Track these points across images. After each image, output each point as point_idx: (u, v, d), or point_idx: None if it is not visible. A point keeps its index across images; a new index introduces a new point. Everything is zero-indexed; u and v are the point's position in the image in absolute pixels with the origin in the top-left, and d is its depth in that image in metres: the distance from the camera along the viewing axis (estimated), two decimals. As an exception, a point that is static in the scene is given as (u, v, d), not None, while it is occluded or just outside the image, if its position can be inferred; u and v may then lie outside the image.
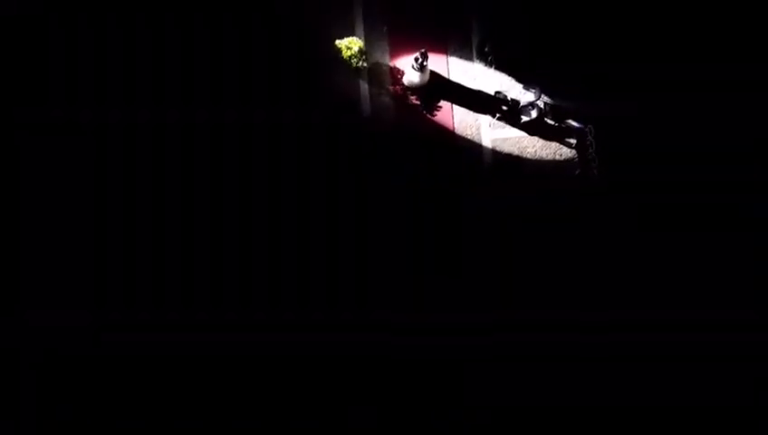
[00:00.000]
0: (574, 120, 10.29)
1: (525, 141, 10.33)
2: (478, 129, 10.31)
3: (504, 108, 10.25)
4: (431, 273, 9.92)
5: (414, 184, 10.07)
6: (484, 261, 9.95)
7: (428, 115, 10.29)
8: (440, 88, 10.31)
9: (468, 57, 10.41)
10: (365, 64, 10.17)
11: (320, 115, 10.13)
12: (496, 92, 10.29)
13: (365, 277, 9.84)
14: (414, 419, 9.54)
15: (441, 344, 9.66)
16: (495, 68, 10.38)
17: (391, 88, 10.30)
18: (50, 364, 9.55)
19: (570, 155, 10.28)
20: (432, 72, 10.23)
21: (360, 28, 10.37)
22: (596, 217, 10.03)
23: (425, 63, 9.74)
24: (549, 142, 10.31)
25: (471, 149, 10.23)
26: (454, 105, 10.33)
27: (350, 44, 9.95)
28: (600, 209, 10.04)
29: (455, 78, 10.38)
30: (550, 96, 10.29)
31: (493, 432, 9.55)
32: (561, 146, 10.31)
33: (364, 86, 10.29)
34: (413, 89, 10.27)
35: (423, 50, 9.68)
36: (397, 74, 10.31)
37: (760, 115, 10.22)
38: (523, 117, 10.21)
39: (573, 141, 10.28)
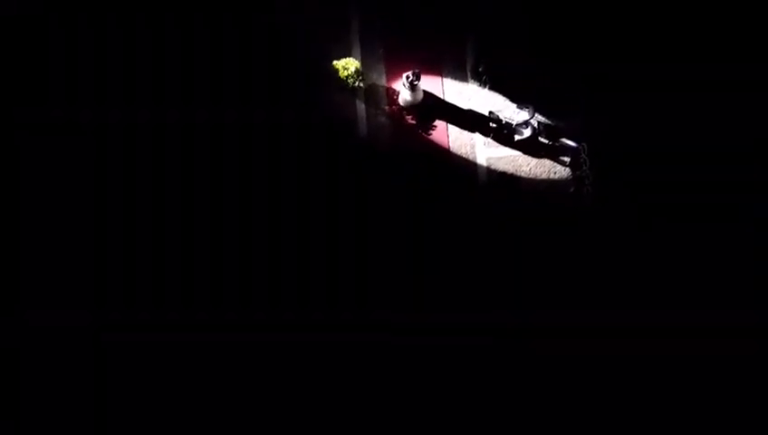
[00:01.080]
0: (568, 138, 11.39)
1: (520, 160, 11.44)
2: (473, 147, 11.43)
3: (499, 127, 11.41)
4: (431, 273, 10.83)
5: (413, 185, 11.04)
6: (484, 261, 10.92)
7: (424, 134, 11.41)
8: (435, 108, 11.44)
9: (463, 78, 11.56)
10: (362, 85, 11.26)
11: (319, 115, 11.09)
12: (490, 112, 11.43)
13: (365, 277, 10.71)
14: None
15: (442, 344, 10.44)
16: (489, 88, 11.52)
17: (387, 108, 11.40)
18: (50, 364, 10.42)
19: (564, 173, 11.37)
20: (427, 93, 11.39)
21: (356, 50, 11.48)
22: (592, 226, 11.07)
23: (415, 82, 10.81)
24: (543, 160, 11.42)
25: (466, 167, 11.32)
26: (449, 125, 11.45)
27: (346, 65, 11.03)
28: (595, 221, 11.11)
29: (449, 99, 11.52)
30: (544, 115, 11.40)
31: None
32: (556, 164, 11.41)
33: (361, 106, 11.40)
34: (409, 109, 11.40)
35: (416, 70, 10.77)
36: (393, 95, 11.43)
37: (759, 115, 11.12)
38: (517, 136, 11.33)
39: (567, 159, 11.40)
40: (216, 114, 11.06)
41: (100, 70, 11.12)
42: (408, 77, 10.78)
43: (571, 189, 11.31)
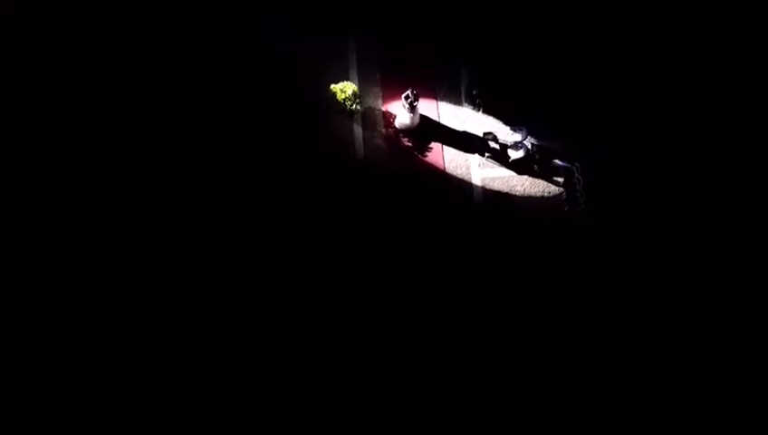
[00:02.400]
0: (561, 158, 12.10)
1: (514, 180, 12.11)
2: (468, 168, 12.10)
3: (493, 148, 12.11)
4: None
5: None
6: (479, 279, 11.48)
7: (420, 156, 12.07)
8: (431, 131, 12.15)
9: (457, 101, 12.34)
10: (359, 108, 11.97)
11: (317, 138, 11.65)
12: (485, 134, 12.16)
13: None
14: None
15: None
16: (483, 111, 12.28)
17: (384, 131, 12.10)
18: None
19: (558, 192, 12.05)
20: (423, 116, 12.09)
21: (354, 74, 12.23)
22: (586, 244, 11.75)
23: (415, 103, 11.47)
24: (537, 180, 12.10)
25: (462, 187, 11.97)
26: (444, 146, 12.14)
27: (344, 88, 11.73)
28: (589, 239, 11.79)
29: (445, 121, 12.25)
30: (537, 136, 12.14)
31: None
32: (549, 184, 12.09)
33: (358, 129, 12.09)
34: (405, 131, 12.08)
35: (414, 90, 11.42)
36: (389, 118, 12.13)
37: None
38: (511, 157, 12.03)
39: (561, 179, 12.07)
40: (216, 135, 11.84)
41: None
42: (407, 97, 11.42)
43: (566, 208, 11.99)
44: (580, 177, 12.09)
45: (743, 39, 12.45)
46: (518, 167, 12.17)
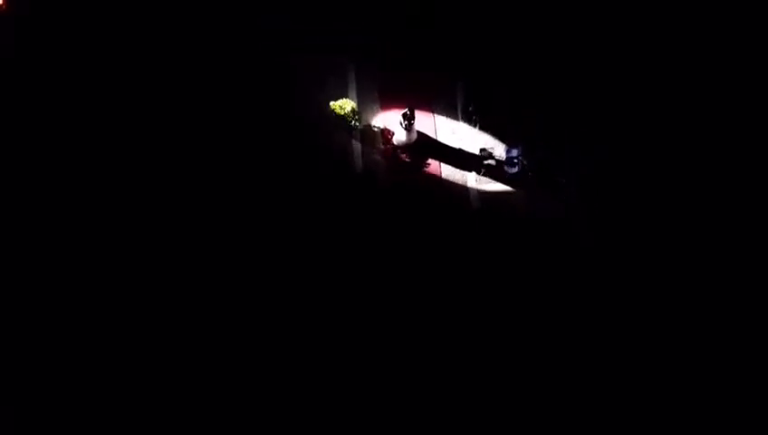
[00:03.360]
0: (558, 173, 12.38)
1: (511, 195, 12.37)
2: (465, 184, 12.41)
3: (490, 164, 12.44)
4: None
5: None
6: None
7: (418, 172, 12.39)
8: (428, 147, 12.51)
9: (454, 118, 12.71)
10: (358, 124, 12.34)
11: (316, 153, 12.02)
12: (481, 150, 12.48)
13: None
14: None
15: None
16: (480, 128, 12.64)
17: (382, 147, 12.45)
18: None
19: (554, 205, 12.28)
20: (420, 133, 12.45)
21: (353, 91, 12.65)
22: (586, 257, 12.03)
23: (412, 121, 11.82)
24: (533, 195, 12.36)
25: (458, 201, 12.26)
26: (441, 163, 12.48)
27: (343, 105, 12.12)
28: (588, 252, 12.04)
29: (442, 138, 12.62)
30: (534, 152, 12.44)
31: None
32: (545, 198, 12.34)
33: (357, 145, 12.46)
34: (402, 147, 12.42)
35: (411, 109, 11.78)
36: (387, 135, 12.46)
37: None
38: (507, 172, 12.36)
39: (558, 194, 12.32)
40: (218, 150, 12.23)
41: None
42: (405, 115, 11.78)
43: (563, 222, 12.23)
44: (576, 190, 12.36)
45: (742, 40, 12.78)
46: (514, 182, 12.45)
